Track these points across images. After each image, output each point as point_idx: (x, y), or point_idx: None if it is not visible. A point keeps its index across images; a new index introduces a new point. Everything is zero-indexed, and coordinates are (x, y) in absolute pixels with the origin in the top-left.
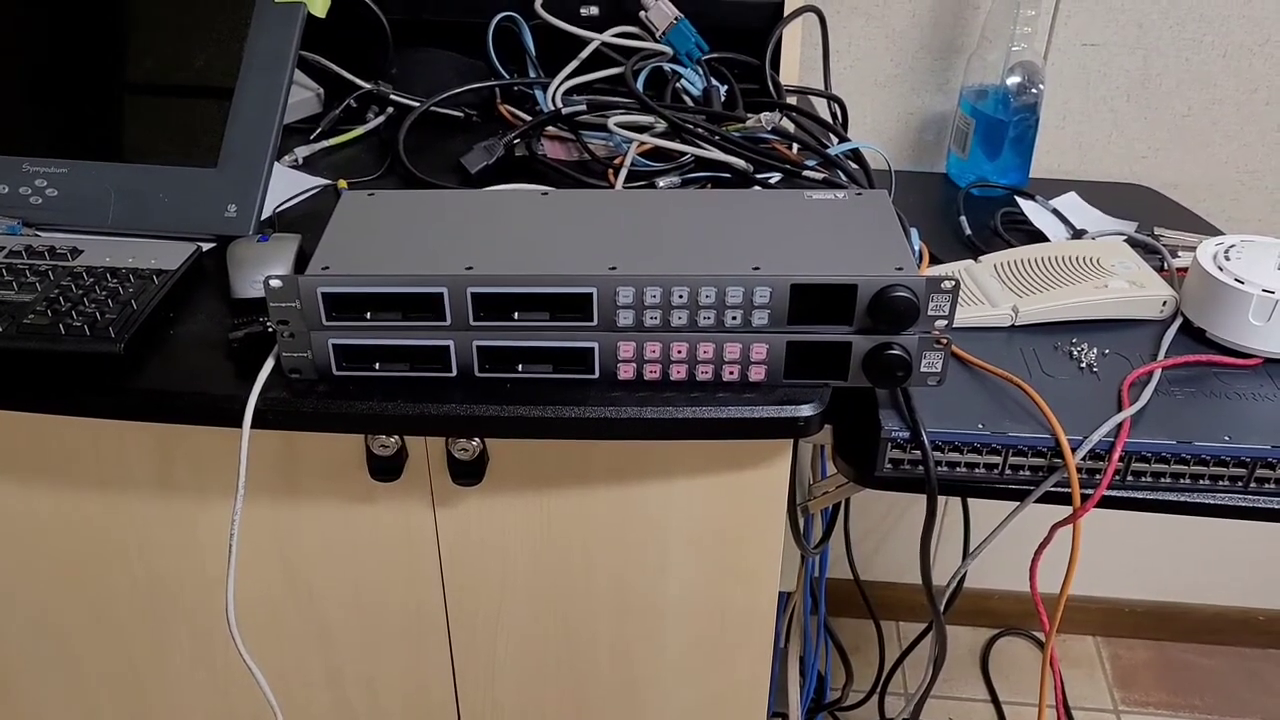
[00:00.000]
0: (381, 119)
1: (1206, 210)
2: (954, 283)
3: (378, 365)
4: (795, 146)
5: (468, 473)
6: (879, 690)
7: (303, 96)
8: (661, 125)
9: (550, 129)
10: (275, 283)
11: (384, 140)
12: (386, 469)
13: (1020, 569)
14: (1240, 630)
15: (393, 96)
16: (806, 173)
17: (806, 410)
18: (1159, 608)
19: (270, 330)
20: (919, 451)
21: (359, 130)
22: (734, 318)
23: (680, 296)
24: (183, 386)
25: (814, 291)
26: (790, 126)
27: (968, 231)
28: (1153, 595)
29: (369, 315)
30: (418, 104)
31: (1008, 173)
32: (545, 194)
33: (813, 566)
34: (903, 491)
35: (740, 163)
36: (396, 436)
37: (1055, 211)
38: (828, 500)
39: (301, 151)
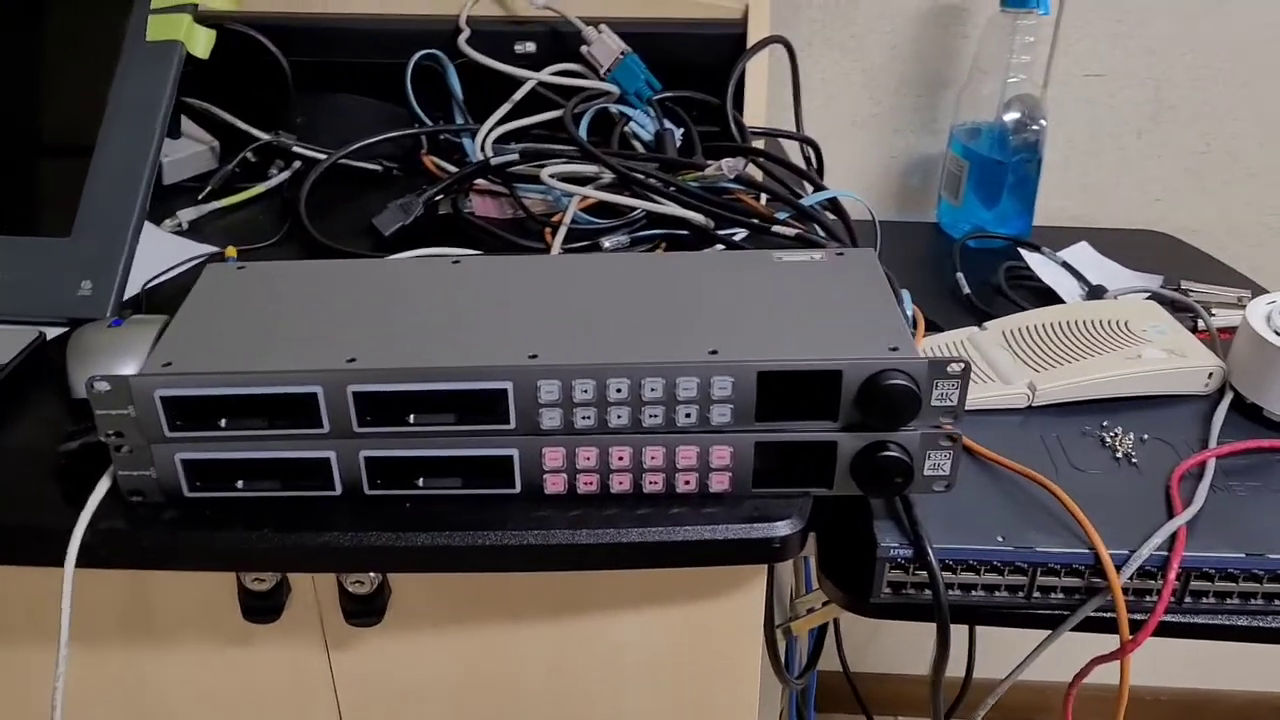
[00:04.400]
0: (286, 175)
1: (1228, 257)
2: (963, 366)
3: (240, 484)
4: (764, 197)
5: (365, 610)
6: None
7: (195, 150)
8: (607, 176)
9: (480, 182)
10: (100, 385)
11: (286, 200)
12: (264, 608)
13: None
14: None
15: (296, 149)
16: (777, 228)
17: (783, 529)
18: (1187, 696)
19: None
20: (925, 573)
21: (258, 188)
22: (688, 415)
23: (618, 391)
24: None
25: (787, 380)
26: (757, 174)
27: (966, 290)
28: (1179, 682)
29: (224, 423)
30: (325, 156)
31: (1007, 220)
32: (456, 263)
33: (795, 695)
34: (907, 620)
35: (699, 217)
36: None
37: (1065, 264)
38: (814, 621)
39: (186, 215)
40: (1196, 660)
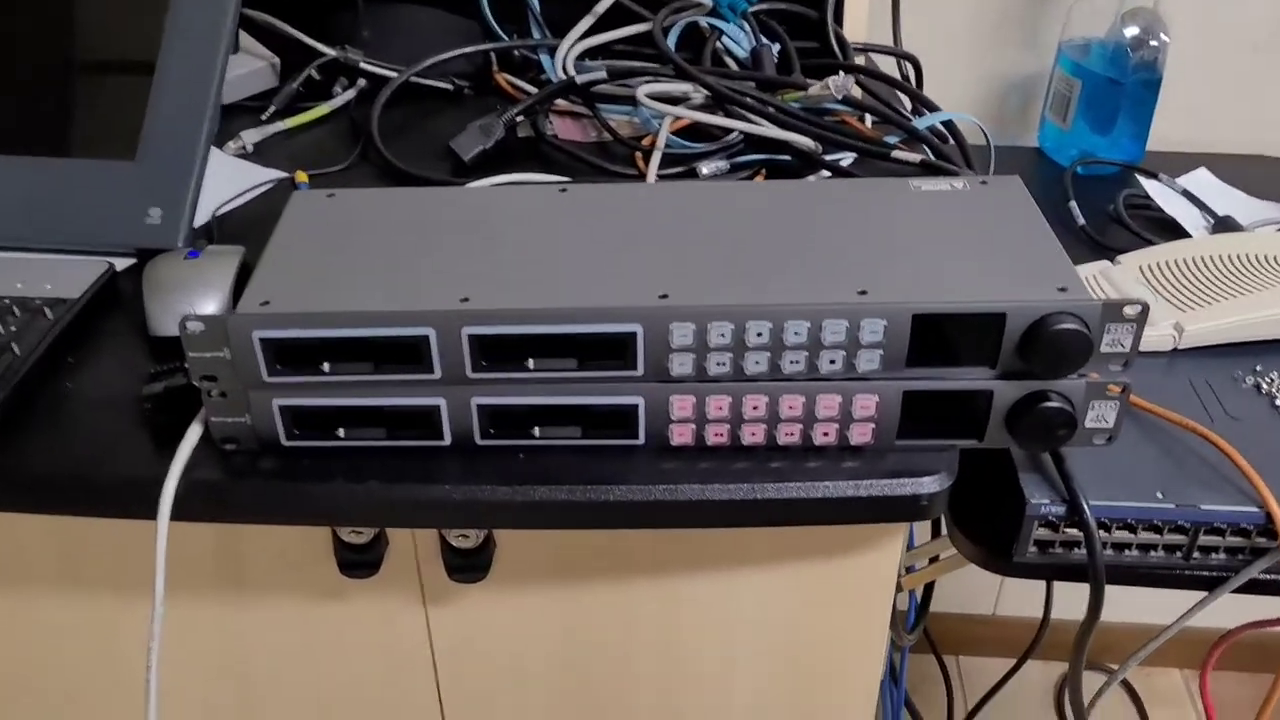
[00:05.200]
0: (352, 94)
1: None
2: (1141, 308)
3: (342, 433)
4: (869, 119)
5: (469, 565)
6: None
7: (254, 68)
8: (701, 95)
9: (561, 103)
10: (194, 325)
11: (355, 120)
12: (360, 563)
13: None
14: None
15: (364, 65)
16: (897, 153)
17: (930, 484)
18: (1259, 637)
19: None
20: (1078, 530)
21: (324, 108)
22: (832, 361)
23: (759, 335)
24: (77, 465)
25: (943, 324)
26: (856, 93)
27: (1080, 221)
28: (1250, 619)
29: (327, 367)
30: (395, 74)
31: (1119, 145)
32: (564, 191)
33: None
34: (1052, 580)
35: (805, 140)
36: None
37: (1185, 193)
38: (932, 575)
39: (250, 136)
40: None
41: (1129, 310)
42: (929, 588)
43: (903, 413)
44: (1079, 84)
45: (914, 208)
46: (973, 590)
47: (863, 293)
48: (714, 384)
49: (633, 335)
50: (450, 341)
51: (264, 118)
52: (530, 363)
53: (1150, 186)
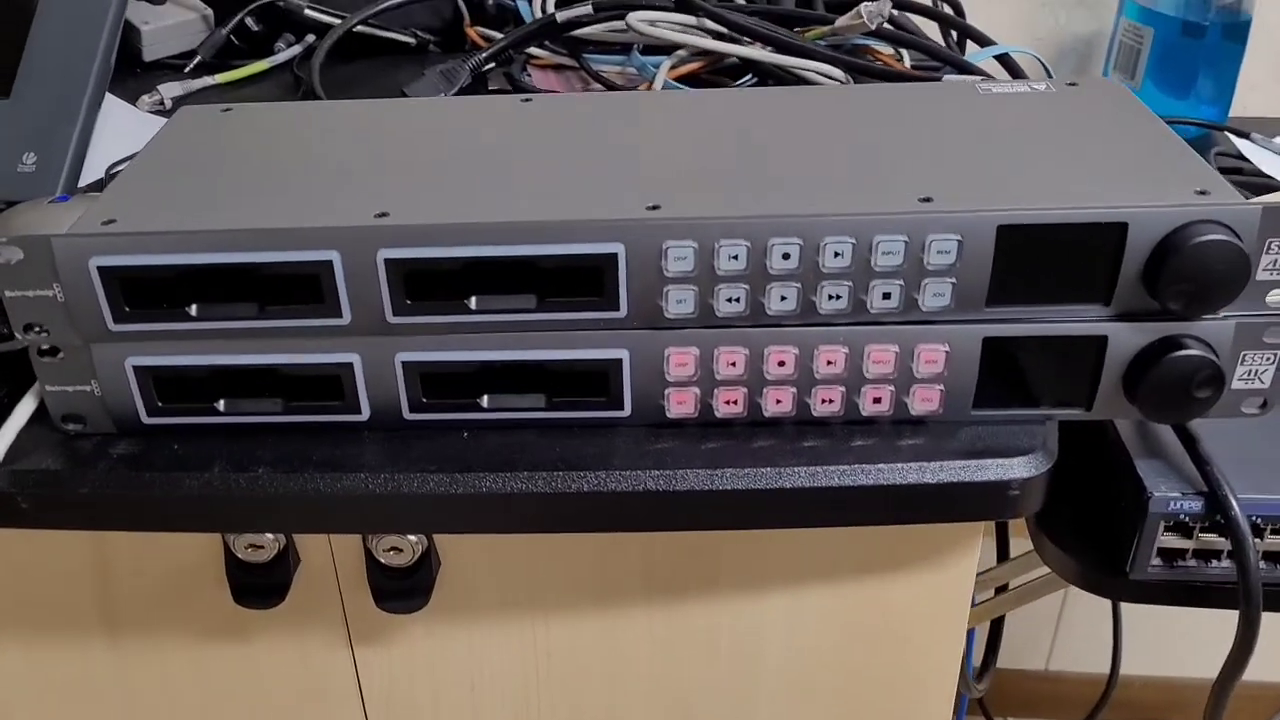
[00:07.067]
0: (297, 49)
1: None
2: None
3: (223, 405)
4: (908, 57)
5: (404, 590)
6: None
7: (181, 19)
8: (705, 36)
9: (540, 54)
10: (8, 251)
11: (299, 77)
12: (261, 588)
13: (1165, 648)
14: None
15: (309, 12)
16: (948, 79)
17: (1021, 468)
18: None
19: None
20: (1223, 535)
21: (262, 64)
22: (886, 295)
23: (785, 258)
24: None
25: (1037, 241)
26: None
27: None
28: None
29: (194, 310)
30: (341, 21)
31: (1198, 110)
32: (527, 101)
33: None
34: (1181, 605)
35: (833, 71)
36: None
37: None
38: (1003, 607)
39: (169, 90)
40: None
41: None
42: (997, 625)
43: (982, 369)
44: (1150, 32)
45: (987, 108)
46: (1021, 641)
47: (927, 200)
48: (725, 329)
49: (612, 259)
50: (362, 270)
51: (186, 70)
52: (473, 302)
53: (1243, 146)
